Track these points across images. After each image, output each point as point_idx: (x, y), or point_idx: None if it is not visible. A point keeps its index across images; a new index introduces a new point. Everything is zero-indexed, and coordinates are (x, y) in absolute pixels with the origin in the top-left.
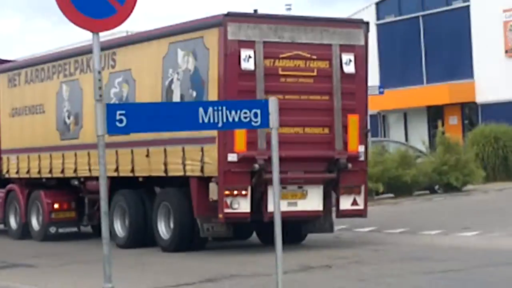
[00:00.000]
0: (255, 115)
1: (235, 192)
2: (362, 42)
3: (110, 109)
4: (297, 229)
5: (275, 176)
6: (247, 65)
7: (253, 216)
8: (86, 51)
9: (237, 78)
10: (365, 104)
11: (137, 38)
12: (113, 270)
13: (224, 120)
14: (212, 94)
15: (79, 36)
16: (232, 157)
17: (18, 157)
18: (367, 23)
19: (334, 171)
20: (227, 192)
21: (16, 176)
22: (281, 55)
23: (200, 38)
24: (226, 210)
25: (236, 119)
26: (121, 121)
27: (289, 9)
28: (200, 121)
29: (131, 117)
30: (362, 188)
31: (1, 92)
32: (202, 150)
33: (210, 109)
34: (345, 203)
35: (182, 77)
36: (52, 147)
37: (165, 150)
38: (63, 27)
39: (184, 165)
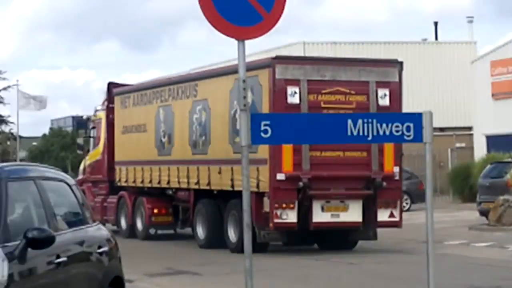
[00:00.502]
0: (408, 128)
1: (284, 205)
2: (396, 79)
3: (255, 119)
4: (344, 236)
5: (428, 193)
6: (293, 99)
7: (300, 226)
8: (177, 81)
9: (284, 110)
10: None
11: (213, 73)
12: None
13: (375, 133)
14: None
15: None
16: (280, 176)
17: (127, 168)
18: (401, 63)
19: (371, 188)
20: (276, 205)
21: (125, 184)
22: (323, 91)
23: (255, 76)
24: (276, 220)
25: (387, 133)
26: (266, 131)
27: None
28: (349, 133)
29: (276, 128)
30: (398, 202)
31: (116, 112)
32: (257, 169)
33: (360, 122)
34: (383, 215)
35: None
36: (151, 161)
37: (232, 169)
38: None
39: None
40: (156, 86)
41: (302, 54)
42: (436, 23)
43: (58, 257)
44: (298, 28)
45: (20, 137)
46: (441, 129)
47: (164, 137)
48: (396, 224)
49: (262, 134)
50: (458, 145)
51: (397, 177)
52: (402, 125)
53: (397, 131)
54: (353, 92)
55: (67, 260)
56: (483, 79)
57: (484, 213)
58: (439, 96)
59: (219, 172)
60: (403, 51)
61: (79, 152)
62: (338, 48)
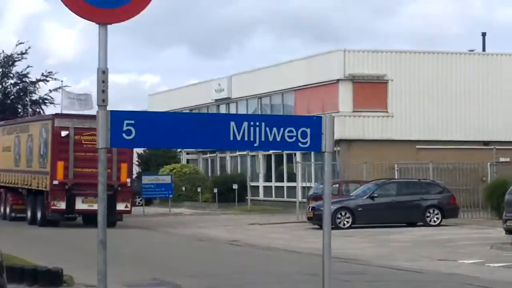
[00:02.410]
0: (304, 135)
1: (57, 199)
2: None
3: (116, 117)
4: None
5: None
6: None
7: (67, 210)
8: (22, 122)
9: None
10: None
11: (35, 119)
12: None
13: (263, 138)
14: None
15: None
16: (55, 182)
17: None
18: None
19: (111, 190)
20: (53, 198)
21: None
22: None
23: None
24: (53, 207)
25: (278, 139)
26: (129, 132)
27: None
28: (231, 137)
29: (141, 129)
30: (130, 199)
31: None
32: (45, 178)
33: (245, 125)
34: (120, 206)
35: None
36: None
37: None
38: (314, 46)
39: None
40: (13, 123)
41: (342, 62)
42: (484, 34)
43: None
44: (367, 37)
45: None
46: (485, 143)
47: (17, 156)
48: (128, 212)
49: (124, 136)
50: (502, 159)
51: (129, 185)
52: (297, 130)
53: (290, 137)
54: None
55: None
56: None
57: (510, 231)
58: (484, 108)
59: (34, 178)
60: (449, 61)
61: None
62: (379, 56)
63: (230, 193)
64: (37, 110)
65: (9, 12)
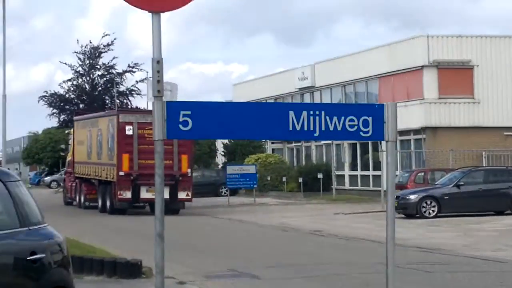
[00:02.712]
0: (365, 123)
1: (123, 189)
2: None
3: (172, 108)
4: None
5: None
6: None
7: (133, 200)
8: (92, 117)
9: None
10: None
11: (103, 115)
12: None
13: (323, 128)
14: None
15: None
16: (121, 173)
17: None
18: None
19: (174, 180)
20: (119, 189)
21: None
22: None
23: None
24: (120, 196)
25: (339, 128)
26: (185, 123)
27: None
28: (290, 127)
29: (198, 119)
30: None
31: (75, 131)
32: (112, 169)
33: (304, 114)
34: (182, 195)
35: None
36: (84, 162)
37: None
38: (400, 32)
39: None
40: (86, 119)
41: (425, 48)
42: None
43: None
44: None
45: None
46: None
47: (92, 149)
48: (189, 200)
49: (181, 127)
50: None
51: (188, 174)
52: (358, 119)
53: (351, 127)
54: None
55: None
56: None
57: None
58: None
59: (103, 170)
60: None
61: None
62: (464, 42)
63: (315, 182)
64: (125, 101)
65: (97, 4)
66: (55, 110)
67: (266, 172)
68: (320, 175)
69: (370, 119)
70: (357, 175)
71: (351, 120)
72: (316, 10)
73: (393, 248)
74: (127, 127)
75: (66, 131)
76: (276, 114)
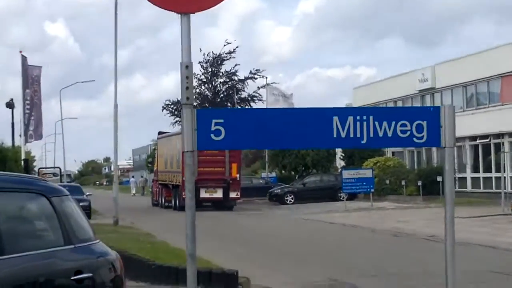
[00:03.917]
0: (419, 128)
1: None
2: None
3: (203, 116)
4: (221, 203)
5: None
6: None
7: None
8: (166, 136)
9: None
10: None
11: (176, 133)
12: None
13: (371, 134)
14: None
15: None
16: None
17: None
18: None
19: (226, 183)
20: (183, 191)
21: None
22: None
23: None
24: (183, 197)
25: (390, 134)
26: (218, 133)
27: None
28: (335, 135)
29: (232, 129)
30: (238, 190)
31: (158, 146)
32: (179, 176)
33: (350, 120)
34: (232, 194)
35: None
36: (163, 171)
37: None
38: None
39: None
40: (164, 137)
41: None
42: None
43: None
44: None
45: None
46: None
47: (168, 161)
48: (238, 199)
49: (213, 136)
50: None
51: (238, 178)
52: (411, 124)
53: (403, 132)
54: None
55: None
56: None
57: None
58: None
59: (174, 176)
60: None
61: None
62: None
63: (435, 185)
64: (246, 107)
65: (225, 12)
66: (177, 118)
67: (384, 175)
68: (439, 178)
69: (424, 123)
70: (479, 177)
71: (403, 125)
72: (445, 11)
73: (453, 250)
74: None
75: (153, 147)
76: (319, 120)
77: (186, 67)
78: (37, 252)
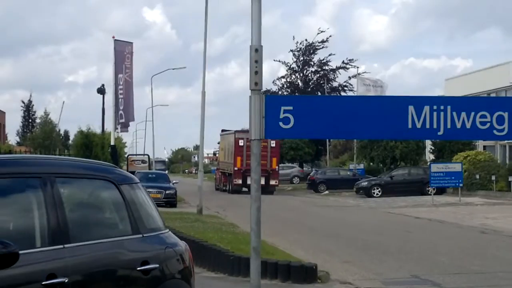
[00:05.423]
0: (500, 120)
1: (237, 177)
2: None
3: (272, 103)
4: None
5: None
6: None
7: (242, 185)
8: (225, 133)
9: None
10: None
11: (232, 131)
12: None
13: (448, 126)
14: None
15: None
16: (236, 168)
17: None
18: None
19: (267, 172)
20: (235, 177)
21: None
22: None
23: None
24: (235, 182)
25: (468, 126)
26: (287, 120)
27: None
28: (410, 125)
29: (302, 116)
30: (278, 178)
31: (221, 141)
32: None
33: (426, 109)
34: (272, 182)
35: None
36: (222, 162)
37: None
38: None
39: None
40: (224, 134)
41: None
42: None
43: (51, 277)
44: None
45: None
46: None
47: (226, 153)
48: (277, 185)
49: (282, 124)
50: None
51: (277, 169)
52: (491, 115)
53: (482, 124)
54: None
55: (67, 282)
56: None
57: None
58: None
59: (228, 166)
60: None
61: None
62: None
63: None
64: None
65: (322, 1)
66: None
67: (475, 170)
68: None
69: (506, 114)
70: None
71: (483, 116)
72: None
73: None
74: (240, 141)
75: (218, 142)
76: (393, 109)
77: (256, 50)
78: (104, 241)
